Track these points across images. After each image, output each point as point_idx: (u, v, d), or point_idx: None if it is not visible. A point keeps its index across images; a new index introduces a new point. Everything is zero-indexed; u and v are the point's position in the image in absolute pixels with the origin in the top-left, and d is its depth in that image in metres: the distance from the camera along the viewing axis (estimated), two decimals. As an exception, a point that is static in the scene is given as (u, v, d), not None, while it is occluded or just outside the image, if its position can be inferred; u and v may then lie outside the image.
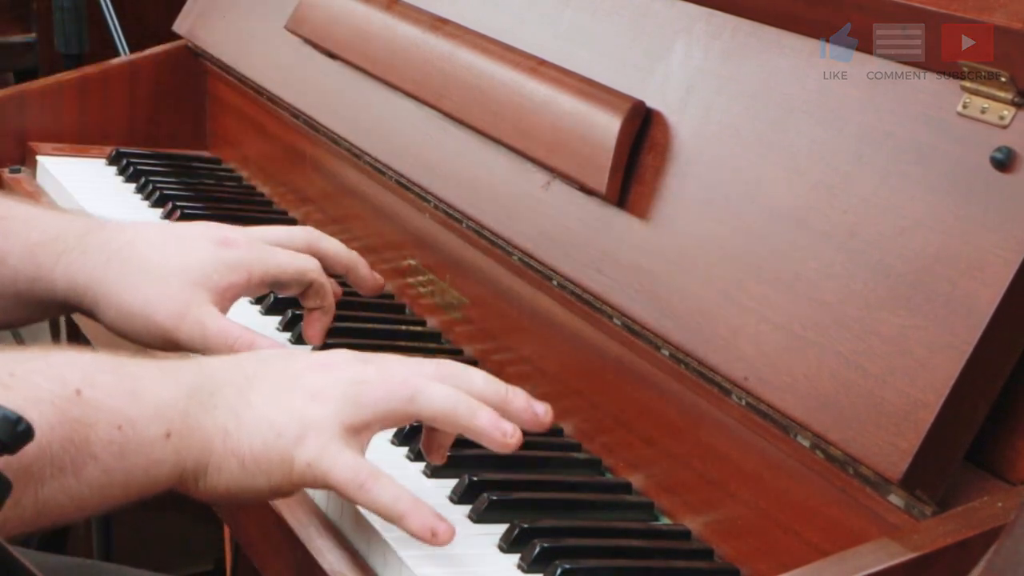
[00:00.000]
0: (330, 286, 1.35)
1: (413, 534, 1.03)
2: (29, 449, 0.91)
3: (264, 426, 1.03)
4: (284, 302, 1.51)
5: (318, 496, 1.17)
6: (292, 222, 1.84)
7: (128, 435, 0.99)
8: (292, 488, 1.05)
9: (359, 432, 1.05)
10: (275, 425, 1.03)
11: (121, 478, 0.99)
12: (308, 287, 1.34)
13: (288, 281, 1.32)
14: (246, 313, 1.50)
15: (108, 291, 1.27)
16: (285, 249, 1.34)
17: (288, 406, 1.04)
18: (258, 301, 1.53)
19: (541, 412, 1.10)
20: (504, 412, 1.08)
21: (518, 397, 1.10)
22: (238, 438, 1.02)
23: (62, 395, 0.97)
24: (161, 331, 1.26)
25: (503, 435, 1.06)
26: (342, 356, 1.11)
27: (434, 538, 1.03)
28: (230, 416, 1.03)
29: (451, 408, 1.06)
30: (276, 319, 1.50)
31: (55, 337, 2.74)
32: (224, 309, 1.29)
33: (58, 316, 1.35)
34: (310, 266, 1.33)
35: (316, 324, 1.36)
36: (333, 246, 1.39)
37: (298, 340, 1.42)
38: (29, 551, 1.37)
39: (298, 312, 1.48)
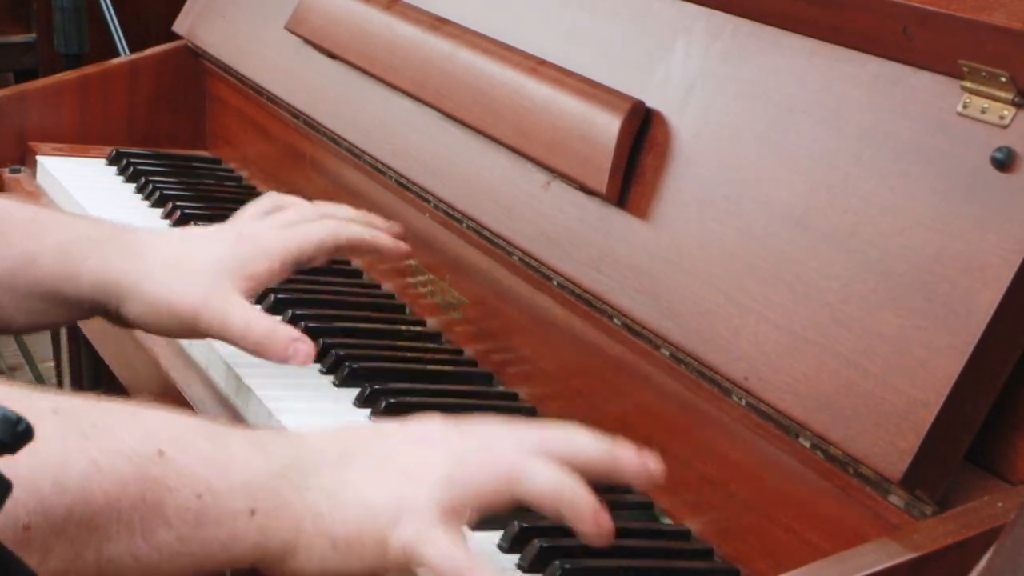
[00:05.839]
0: (363, 231, 1.40)
1: None
2: (96, 500, 0.91)
3: (358, 508, 0.99)
4: (286, 303, 1.51)
5: None
6: (292, 222, 1.84)
7: (207, 504, 0.96)
8: (385, 569, 1.00)
9: (457, 513, 0.99)
10: (370, 506, 0.99)
11: (195, 548, 0.96)
12: (336, 249, 1.39)
13: (312, 255, 1.37)
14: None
15: (134, 286, 1.32)
16: (297, 226, 1.38)
17: (383, 485, 1.00)
18: (259, 301, 1.53)
19: (653, 467, 1.05)
20: (616, 471, 1.04)
21: (626, 452, 1.04)
22: (331, 520, 0.98)
23: (142, 452, 0.94)
24: (184, 318, 1.32)
25: (598, 529, 1.00)
26: (438, 428, 1.05)
27: None
28: (322, 497, 0.99)
29: (555, 494, 1.00)
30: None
31: (55, 337, 2.73)
32: (250, 298, 1.34)
33: (84, 317, 1.40)
34: (327, 230, 1.38)
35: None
36: (356, 232, 1.41)
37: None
38: None
39: (299, 312, 1.48)
